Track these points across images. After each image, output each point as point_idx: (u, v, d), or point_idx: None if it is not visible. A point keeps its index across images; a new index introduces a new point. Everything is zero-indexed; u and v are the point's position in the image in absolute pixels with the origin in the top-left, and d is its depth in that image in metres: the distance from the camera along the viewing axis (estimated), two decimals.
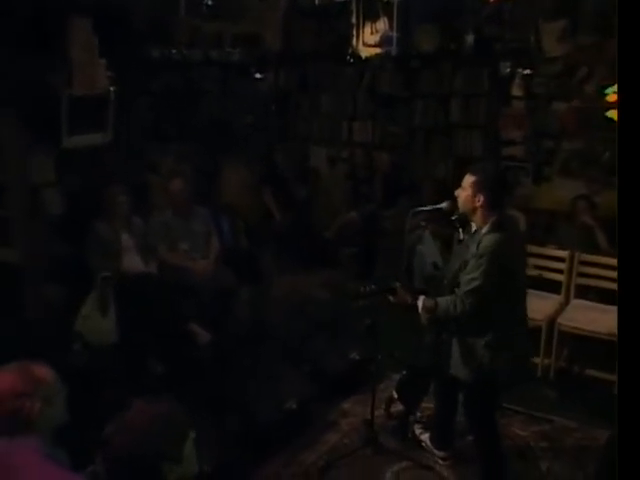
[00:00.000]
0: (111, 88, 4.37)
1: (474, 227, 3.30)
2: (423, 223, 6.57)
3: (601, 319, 4.61)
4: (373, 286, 3.41)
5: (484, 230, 3.18)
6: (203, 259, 5.05)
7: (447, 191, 6.66)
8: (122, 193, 4.86)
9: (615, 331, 4.47)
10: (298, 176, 7.13)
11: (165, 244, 5.00)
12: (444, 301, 3.20)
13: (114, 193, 4.82)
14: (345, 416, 4.16)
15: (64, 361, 4.33)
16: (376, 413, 4.15)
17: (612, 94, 4.38)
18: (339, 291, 6.38)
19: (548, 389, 4.51)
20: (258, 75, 7.42)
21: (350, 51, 7.11)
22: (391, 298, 3.42)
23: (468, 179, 3.27)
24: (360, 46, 7.08)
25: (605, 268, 4.86)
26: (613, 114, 4.44)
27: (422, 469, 3.64)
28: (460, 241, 3.45)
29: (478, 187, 3.21)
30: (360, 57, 7.07)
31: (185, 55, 7.55)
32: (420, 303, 3.28)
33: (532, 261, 5.21)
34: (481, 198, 3.20)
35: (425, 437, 3.81)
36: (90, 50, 4.10)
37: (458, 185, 7.31)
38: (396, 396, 3.95)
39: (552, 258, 5.13)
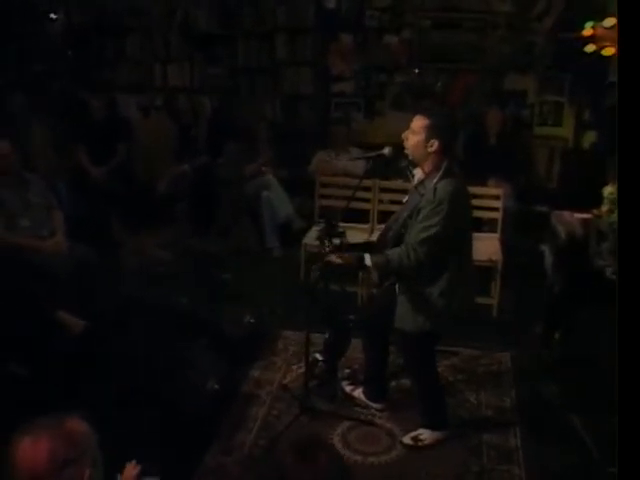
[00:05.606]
0: None
1: (421, 174, 3.11)
2: (264, 168, 6.30)
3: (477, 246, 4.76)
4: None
5: (437, 176, 3.00)
6: (50, 236, 4.34)
7: (281, 132, 6.49)
8: None
9: (492, 257, 4.69)
10: (109, 129, 6.38)
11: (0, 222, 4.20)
12: (395, 254, 3.00)
13: None
14: (260, 386, 3.86)
15: None
16: (289, 377, 3.95)
17: (589, 29, 4.39)
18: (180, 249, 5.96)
19: None
20: (53, 16, 6.42)
21: None
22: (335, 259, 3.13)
23: (419, 122, 3.01)
24: None
25: None
26: (590, 48, 4.45)
27: (365, 426, 3.50)
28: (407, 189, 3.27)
29: (432, 131, 2.98)
30: None
31: None
32: (368, 261, 3.04)
33: (386, 196, 5.21)
34: (435, 143, 2.98)
35: (358, 393, 3.66)
36: None
37: (289, 125, 7.03)
38: (321, 358, 3.72)
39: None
